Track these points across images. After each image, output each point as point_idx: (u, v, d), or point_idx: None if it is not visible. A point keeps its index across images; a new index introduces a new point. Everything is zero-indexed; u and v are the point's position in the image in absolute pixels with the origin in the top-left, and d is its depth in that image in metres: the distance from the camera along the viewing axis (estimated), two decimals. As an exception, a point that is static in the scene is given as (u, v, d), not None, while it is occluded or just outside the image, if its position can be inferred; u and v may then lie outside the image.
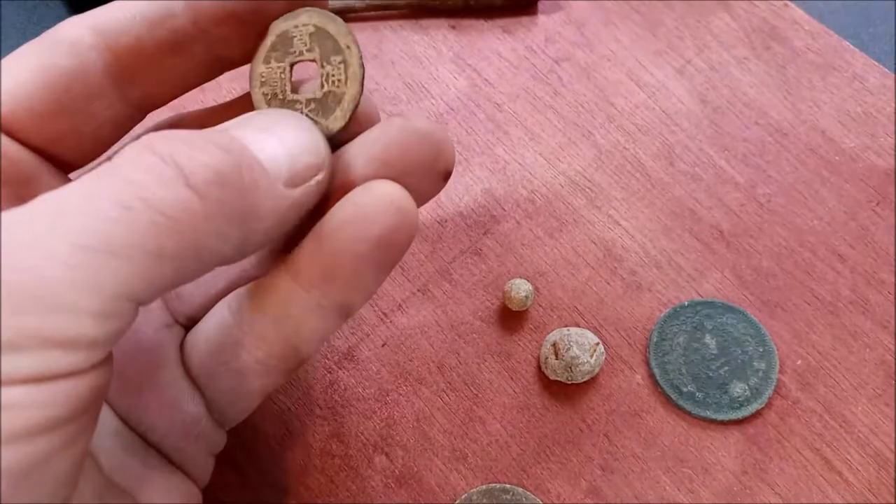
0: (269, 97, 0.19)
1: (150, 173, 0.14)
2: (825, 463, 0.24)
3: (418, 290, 0.28)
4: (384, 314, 0.27)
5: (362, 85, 0.19)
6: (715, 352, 0.26)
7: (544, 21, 0.34)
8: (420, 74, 0.33)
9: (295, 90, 0.19)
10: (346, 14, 0.34)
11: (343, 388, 0.26)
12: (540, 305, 0.27)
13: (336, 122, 0.19)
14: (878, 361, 0.26)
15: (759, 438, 0.25)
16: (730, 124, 0.31)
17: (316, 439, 0.25)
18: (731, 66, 0.32)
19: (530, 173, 0.30)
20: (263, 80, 0.19)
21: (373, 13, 0.34)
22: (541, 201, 0.29)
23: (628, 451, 0.25)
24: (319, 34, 0.19)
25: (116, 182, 0.14)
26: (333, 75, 0.19)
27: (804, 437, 0.25)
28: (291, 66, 0.19)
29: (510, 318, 0.27)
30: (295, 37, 0.19)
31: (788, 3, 0.34)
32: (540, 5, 0.34)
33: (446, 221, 0.29)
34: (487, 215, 0.29)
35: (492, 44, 0.33)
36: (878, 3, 0.37)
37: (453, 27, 0.34)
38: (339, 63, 0.19)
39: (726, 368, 0.25)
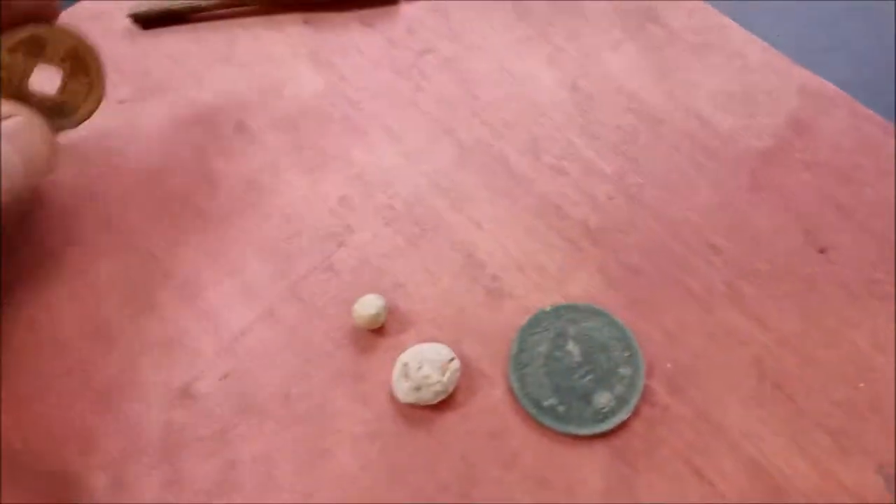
0: (5, 83, 0.23)
1: None
2: (696, 473, 0.23)
3: (264, 314, 0.25)
4: (225, 344, 0.25)
5: (98, 105, 0.25)
6: (578, 360, 0.24)
7: (407, 10, 0.32)
8: (274, 75, 0.30)
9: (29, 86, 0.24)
10: (192, 13, 0.31)
11: (179, 428, 0.24)
12: (397, 321, 0.25)
13: (69, 124, 0.25)
14: (752, 359, 0.24)
15: (626, 452, 0.23)
16: (600, 112, 0.29)
17: (147, 490, 0.23)
18: (603, 52, 0.30)
19: (390, 177, 0.28)
20: (4, 65, 0.23)
21: (223, 11, 0.32)
22: (400, 207, 0.27)
23: (487, 475, 0.23)
24: (75, 54, 0.24)
25: None
26: (77, 91, 0.25)
27: (674, 447, 0.23)
28: (36, 65, 0.24)
29: (364, 337, 0.25)
30: (49, 45, 0.24)
31: (665, -22, 0.32)
32: (402, -6, 0.32)
33: (297, 236, 0.27)
34: (342, 226, 0.27)
35: (350, 37, 0.31)
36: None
37: (308, 22, 0.32)
38: (86, 84, 0.25)
39: (590, 377, 0.24)
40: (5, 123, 0.22)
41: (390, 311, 0.25)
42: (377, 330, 0.25)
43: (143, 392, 0.24)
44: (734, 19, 0.31)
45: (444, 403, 0.24)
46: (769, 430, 0.23)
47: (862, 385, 0.24)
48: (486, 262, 0.26)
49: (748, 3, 0.34)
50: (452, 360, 0.24)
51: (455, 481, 0.23)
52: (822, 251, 0.26)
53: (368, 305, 0.24)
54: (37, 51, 0.23)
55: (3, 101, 0.22)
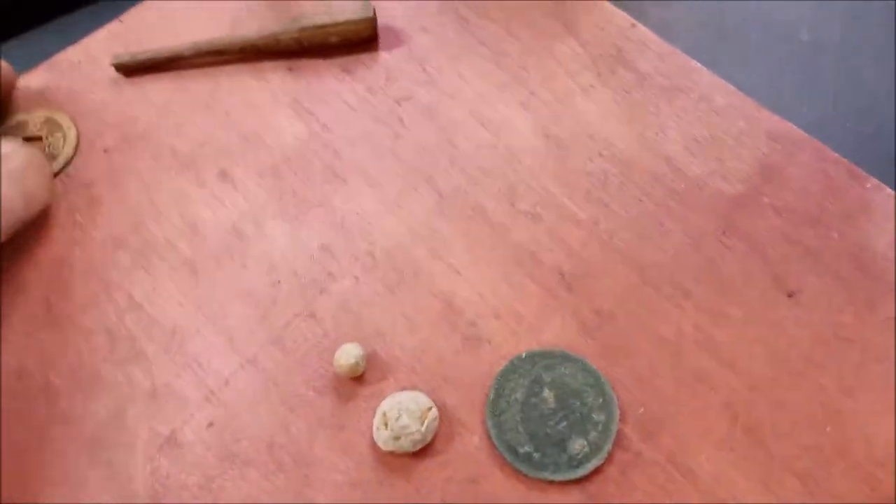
0: None
1: None
2: (668, 518, 0.23)
3: (247, 362, 0.26)
4: (211, 391, 0.26)
5: (76, 149, 0.30)
6: (553, 406, 0.24)
7: (385, 58, 0.32)
8: (256, 123, 0.31)
9: None
10: (174, 62, 0.32)
11: (165, 476, 0.24)
12: (377, 368, 0.26)
13: (55, 167, 0.30)
14: (723, 404, 0.25)
15: (600, 497, 0.23)
16: (573, 158, 0.30)
17: (130, 539, 0.23)
18: (576, 96, 0.31)
19: (370, 224, 0.29)
20: None
21: (207, 59, 0.32)
22: (380, 254, 0.28)
23: (465, 522, 0.23)
24: (49, 122, 0.31)
25: None
26: (53, 144, 0.30)
27: (647, 492, 0.24)
28: (24, 139, 0.30)
29: (344, 385, 0.26)
30: (29, 123, 0.31)
31: (636, 23, 0.33)
32: (381, 41, 0.33)
33: (280, 282, 0.27)
34: (324, 273, 0.28)
35: (331, 85, 0.32)
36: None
37: (291, 69, 0.32)
38: (60, 137, 0.31)
39: (565, 423, 0.24)
40: (6, 165, 0.25)
41: (370, 358, 0.26)
42: (357, 378, 0.26)
43: (130, 439, 0.25)
44: (702, 63, 0.32)
45: (423, 451, 0.24)
46: (740, 474, 0.24)
47: (829, 429, 0.24)
48: (464, 309, 0.27)
49: (716, 47, 0.35)
50: (430, 408, 0.24)
51: (434, 529, 0.23)
52: (790, 295, 0.27)
53: (348, 355, 0.25)
54: (21, 130, 0.31)
55: (4, 140, 0.27)
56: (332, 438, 0.25)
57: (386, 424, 0.24)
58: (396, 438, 0.24)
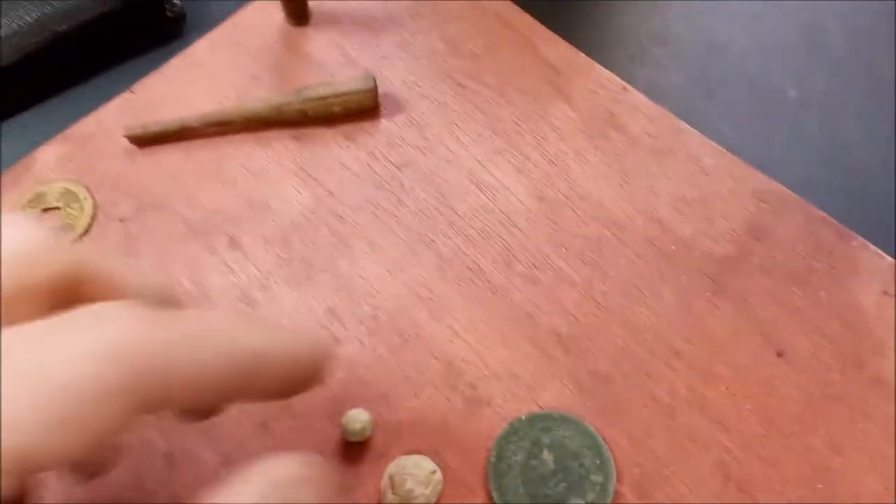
0: None
1: None
2: (665, 577, 0.24)
3: (258, 427, 0.27)
4: (225, 457, 0.27)
5: (93, 219, 0.32)
6: (552, 468, 0.25)
7: (386, 125, 0.34)
8: (262, 191, 0.32)
9: None
10: (183, 133, 0.34)
11: (178, 543, 0.25)
12: (383, 431, 0.27)
13: (73, 237, 0.31)
14: (715, 463, 0.26)
15: (599, 558, 0.24)
16: (567, 221, 0.31)
17: None
18: (569, 159, 0.32)
19: (373, 287, 0.30)
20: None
21: (214, 129, 0.34)
22: (384, 317, 0.29)
23: (469, 584, 0.24)
24: (66, 193, 0.33)
25: None
26: (70, 215, 0.32)
27: (644, 552, 0.24)
28: (43, 210, 0.32)
29: (351, 449, 0.27)
30: (48, 194, 0.33)
31: (627, 86, 0.35)
32: (382, 108, 0.34)
33: (287, 348, 0.28)
34: (331, 337, 0.29)
35: (334, 152, 0.33)
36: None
37: (295, 138, 0.34)
38: (77, 207, 0.32)
39: (564, 485, 0.25)
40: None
41: (376, 421, 0.27)
42: (364, 441, 0.27)
43: (143, 511, 0.26)
44: (690, 121, 0.34)
45: (428, 513, 0.25)
46: (733, 532, 0.24)
47: (820, 486, 0.25)
48: (464, 371, 0.28)
49: (704, 105, 0.36)
50: (435, 472, 0.25)
51: (439, 591, 0.24)
52: (779, 354, 0.28)
53: (354, 420, 0.26)
54: (39, 202, 0.32)
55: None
56: (340, 501, 0.26)
57: (393, 489, 0.25)
58: (404, 503, 0.24)
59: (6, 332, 0.14)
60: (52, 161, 0.34)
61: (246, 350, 0.16)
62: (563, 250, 0.30)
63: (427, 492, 0.25)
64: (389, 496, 0.25)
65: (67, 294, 0.17)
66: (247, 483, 0.15)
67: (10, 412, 0.13)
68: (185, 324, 0.15)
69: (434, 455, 0.26)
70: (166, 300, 0.20)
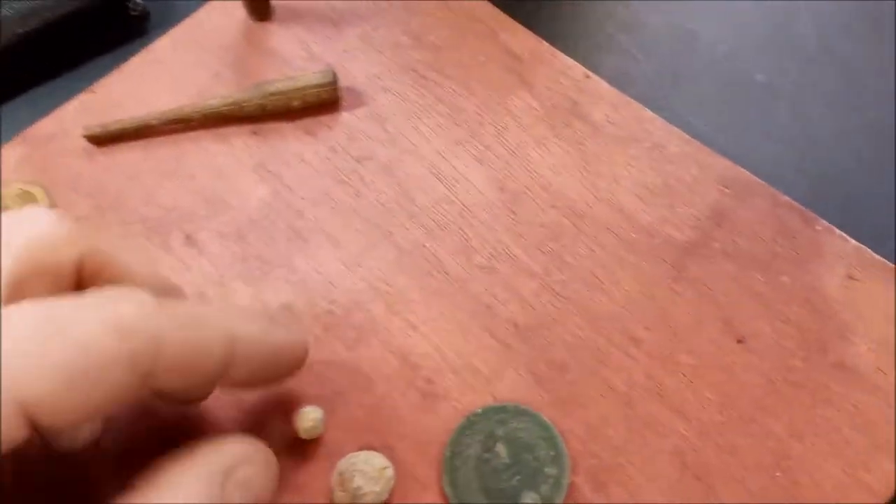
0: None
1: None
2: (621, 570, 0.23)
3: (209, 424, 0.27)
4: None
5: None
6: (507, 461, 0.25)
7: (347, 118, 0.33)
8: (220, 186, 0.32)
9: None
10: (143, 131, 0.33)
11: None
12: (336, 428, 0.26)
13: None
14: (672, 451, 0.25)
15: (553, 551, 0.24)
16: (527, 210, 0.30)
17: None
18: (529, 149, 0.32)
19: (330, 283, 0.29)
20: None
21: (174, 126, 0.33)
22: (340, 312, 0.29)
23: (421, 580, 0.24)
24: (23, 194, 0.32)
25: None
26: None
27: (599, 544, 0.24)
28: None
29: (303, 446, 0.26)
30: (6, 196, 0.31)
31: (590, 74, 0.34)
32: (343, 102, 0.34)
33: (242, 345, 0.28)
34: (286, 333, 0.28)
35: (294, 147, 0.33)
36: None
37: (255, 133, 0.33)
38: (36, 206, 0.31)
39: (518, 478, 0.25)
40: None
41: (329, 417, 0.26)
42: (316, 439, 0.26)
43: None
44: (658, 110, 0.33)
45: (380, 509, 0.25)
46: (691, 523, 0.24)
47: (779, 474, 0.25)
48: (421, 365, 0.27)
49: (671, 93, 0.35)
50: (386, 468, 0.25)
51: (390, 588, 0.24)
52: (740, 341, 0.27)
53: (306, 418, 0.25)
54: None
55: None
56: (290, 501, 0.25)
57: (342, 486, 0.24)
58: (353, 500, 0.24)
59: (29, 303, 0.16)
60: (11, 163, 0.33)
61: (233, 337, 0.19)
62: (523, 240, 0.30)
63: (377, 489, 0.24)
64: (338, 493, 0.24)
65: (83, 278, 0.19)
66: (189, 471, 0.17)
67: (28, 366, 0.15)
68: (182, 310, 0.18)
69: (388, 451, 0.26)
70: (169, 291, 0.22)
